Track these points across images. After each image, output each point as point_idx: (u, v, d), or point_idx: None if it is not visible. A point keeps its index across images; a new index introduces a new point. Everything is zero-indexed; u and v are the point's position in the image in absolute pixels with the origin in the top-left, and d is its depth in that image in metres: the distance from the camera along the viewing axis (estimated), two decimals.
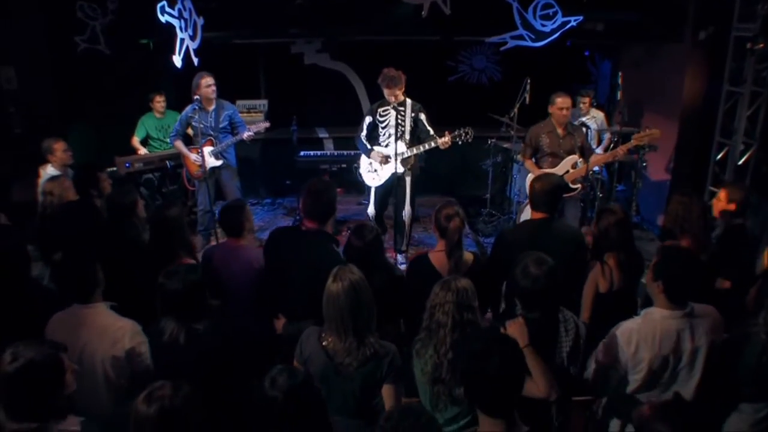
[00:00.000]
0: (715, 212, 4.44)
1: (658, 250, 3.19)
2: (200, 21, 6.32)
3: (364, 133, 6.31)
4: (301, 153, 7.95)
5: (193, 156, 6.66)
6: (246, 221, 4.24)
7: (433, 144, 6.01)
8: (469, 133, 5.96)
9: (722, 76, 6.61)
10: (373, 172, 6.42)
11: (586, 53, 9.55)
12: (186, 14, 6.35)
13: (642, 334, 2.97)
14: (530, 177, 6.42)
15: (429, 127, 6.13)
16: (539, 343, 3.00)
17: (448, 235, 3.85)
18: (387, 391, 2.97)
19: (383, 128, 6.24)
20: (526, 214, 6.59)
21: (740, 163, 6.38)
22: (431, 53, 9.01)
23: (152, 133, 7.63)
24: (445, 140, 5.93)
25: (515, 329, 3.04)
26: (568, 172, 6.07)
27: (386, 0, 7.04)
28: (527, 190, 6.02)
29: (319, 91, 9.33)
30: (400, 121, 6.11)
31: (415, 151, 6.10)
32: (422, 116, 6.13)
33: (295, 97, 8.95)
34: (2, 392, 2.37)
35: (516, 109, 6.92)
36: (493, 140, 7.77)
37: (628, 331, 3.02)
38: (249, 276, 4.07)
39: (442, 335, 2.91)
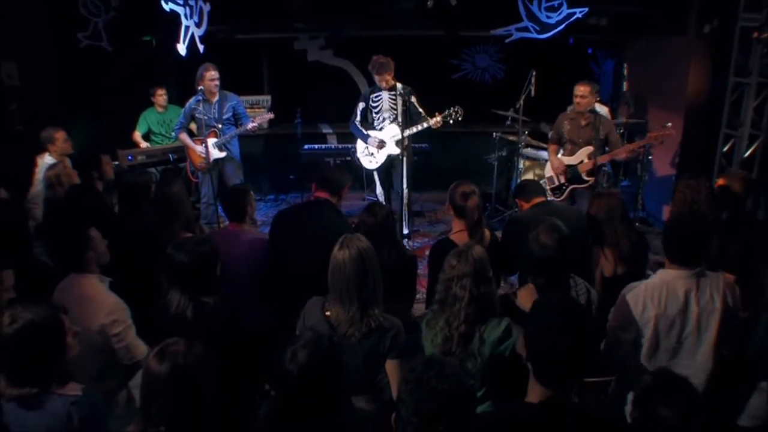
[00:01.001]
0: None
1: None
2: (207, 7, 6.29)
3: (358, 118, 6.66)
4: (305, 146, 7.93)
5: (198, 147, 6.62)
6: (249, 206, 4.19)
7: (425, 125, 6.30)
8: (459, 111, 6.24)
9: (727, 68, 6.58)
10: (370, 156, 6.72)
11: (589, 51, 9.53)
12: (192, 1, 6.32)
13: (649, 292, 2.95)
14: (548, 166, 6.42)
15: (420, 110, 6.41)
16: None
17: (467, 213, 3.77)
18: (390, 367, 2.91)
19: (376, 113, 6.61)
20: None
21: (747, 155, 6.35)
22: (434, 51, 8.99)
23: (154, 127, 7.59)
24: (436, 120, 6.25)
25: (523, 294, 3.00)
26: (582, 162, 6.05)
27: None
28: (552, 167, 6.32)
29: (322, 88, 9.31)
30: (392, 105, 6.46)
31: (407, 132, 6.27)
32: (413, 99, 6.38)
33: (299, 94, 8.92)
34: (1, 355, 2.29)
35: (522, 101, 6.87)
36: (498, 133, 7.74)
37: (636, 290, 3.00)
38: (250, 261, 4.01)
39: (457, 309, 2.82)
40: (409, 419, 1.91)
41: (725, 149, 6.64)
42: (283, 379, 2.21)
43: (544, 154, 7.69)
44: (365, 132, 6.64)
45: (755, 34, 5.97)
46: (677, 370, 2.89)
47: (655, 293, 2.92)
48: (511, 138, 7.58)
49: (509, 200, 8.08)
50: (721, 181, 4.36)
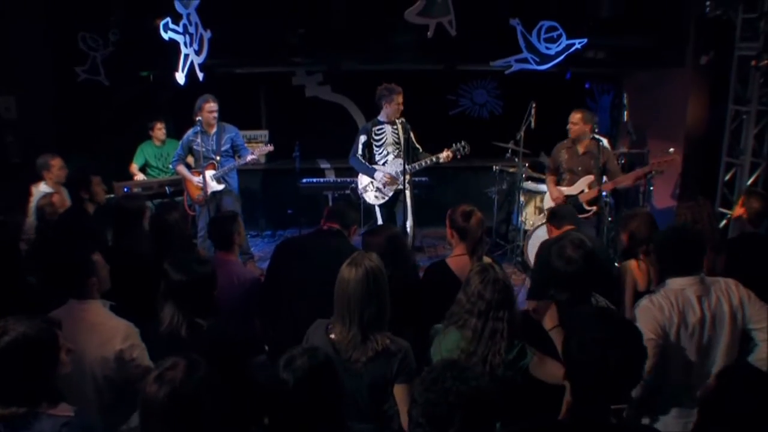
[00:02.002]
0: (734, 215, 4.37)
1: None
2: (207, 34, 6.28)
3: (360, 152, 6.38)
4: (304, 180, 7.85)
5: (196, 179, 6.54)
6: (236, 234, 4.00)
7: (434, 159, 6.20)
8: (466, 147, 6.15)
9: (726, 98, 6.60)
10: (376, 191, 6.43)
11: (587, 85, 9.58)
12: (192, 29, 6.31)
13: (665, 298, 2.87)
14: (548, 197, 6.36)
15: (417, 145, 6.34)
16: (570, 326, 2.82)
17: (469, 232, 3.63)
18: (400, 392, 2.74)
19: (379, 146, 6.36)
20: (537, 237, 6.51)
21: (749, 183, 6.31)
22: (432, 86, 9.02)
23: (151, 160, 7.53)
24: (447, 154, 6.16)
25: (544, 309, 2.88)
26: (583, 191, 5.98)
27: (389, 29, 7.07)
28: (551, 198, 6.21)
29: (319, 124, 9.29)
30: (395, 138, 6.29)
31: (417, 167, 6.20)
32: (410, 134, 6.20)
33: (296, 129, 8.88)
34: None
35: (522, 133, 6.84)
36: (498, 167, 7.70)
37: (651, 298, 2.93)
38: (235, 293, 3.77)
39: (497, 346, 2.71)
40: (417, 421, 1.78)
41: (727, 178, 6.60)
42: (276, 394, 2.08)
43: (544, 187, 7.65)
44: (370, 166, 6.37)
45: (753, 62, 5.98)
46: (694, 381, 2.80)
47: (671, 299, 2.84)
48: (512, 170, 7.54)
49: (509, 234, 8.00)
50: (741, 199, 4.31)
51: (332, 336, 2.76)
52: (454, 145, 6.16)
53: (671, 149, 5.79)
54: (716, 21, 6.45)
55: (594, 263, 2.93)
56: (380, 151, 6.37)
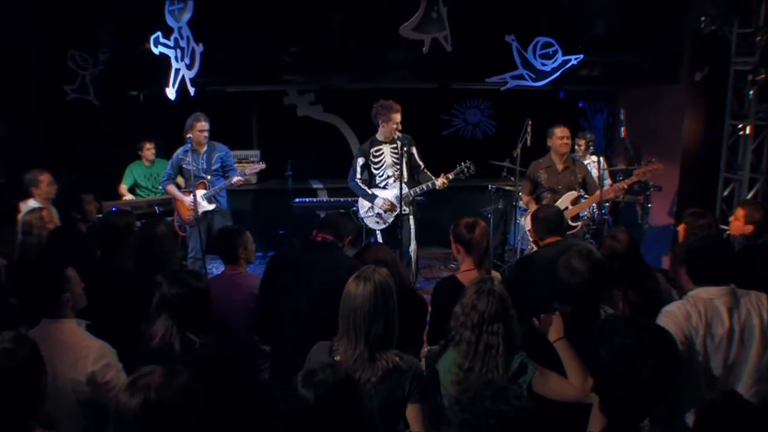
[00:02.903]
0: (733, 230, 4.25)
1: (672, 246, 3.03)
2: (199, 48, 6.16)
3: (359, 175, 6.06)
4: (296, 199, 7.71)
5: (187, 199, 6.39)
6: (241, 247, 3.91)
7: (430, 185, 5.85)
8: (471, 167, 5.83)
9: (722, 114, 6.59)
10: (376, 216, 6.11)
11: (581, 104, 9.56)
12: (183, 43, 6.20)
13: (692, 305, 2.75)
14: (527, 214, 6.26)
15: (420, 162, 6.02)
16: (576, 340, 2.69)
17: (474, 243, 3.53)
18: (412, 413, 2.58)
19: (377, 168, 6.03)
20: None
21: (748, 198, 6.25)
22: (425, 106, 8.94)
23: (140, 181, 7.39)
24: (443, 181, 5.79)
25: (548, 321, 2.75)
26: (567, 208, 5.89)
27: (382, 47, 7.01)
28: (529, 227, 5.84)
29: (311, 144, 9.23)
30: (395, 159, 5.92)
31: (417, 191, 5.92)
32: (413, 150, 5.99)
33: (288, 149, 8.77)
34: None
35: (519, 150, 6.74)
36: (494, 186, 7.60)
37: (677, 304, 2.81)
38: (247, 308, 3.71)
39: (493, 361, 2.59)
40: None
41: (725, 194, 6.54)
42: (294, 411, 1.91)
43: None
44: (369, 191, 6.00)
45: (750, 77, 5.95)
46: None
47: (700, 307, 2.71)
48: (508, 188, 7.44)
49: (505, 255, 7.88)
50: (740, 213, 4.19)
51: (337, 358, 2.59)
52: (458, 165, 5.84)
53: (653, 159, 5.73)
54: (711, 37, 6.44)
55: (602, 275, 2.82)
56: (380, 173, 6.03)
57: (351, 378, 2.03)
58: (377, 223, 6.15)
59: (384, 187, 6.04)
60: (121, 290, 3.55)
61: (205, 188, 6.43)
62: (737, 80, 6.32)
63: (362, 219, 6.29)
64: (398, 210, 5.85)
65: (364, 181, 6.06)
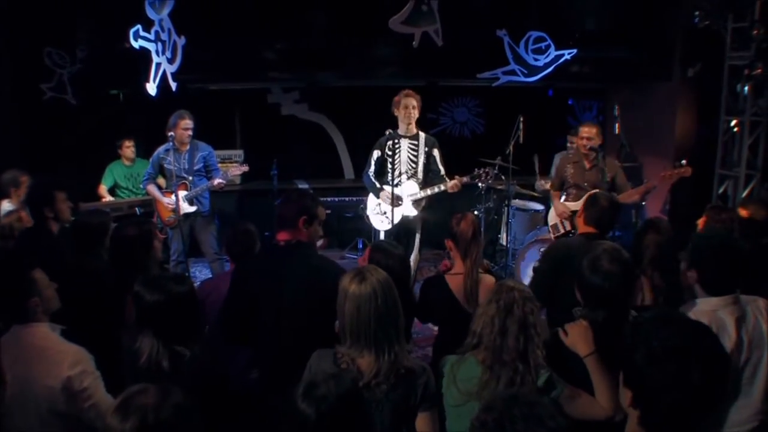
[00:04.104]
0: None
1: (691, 238, 2.82)
2: (181, 41, 5.92)
3: (372, 168, 5.72)
4: (279, 200, 7.50)
5: (167, 199, 6.16)
6: (254, 244, 3.89)
7: (442, 187, 5.53)
8: (490, 173, 5.62)
9: (714, 109, 6.51)
10: (382, 215, 5.78)
11: (570, 102, 9.45)
12: (164, 36, 5.96)
13: (698, 318, 2.52)
14: (552, 213, 6.08)
15: (441, 167, 5.69)
16: (607, 351, 2.49)
17: (460, 234, 3.48)
18: (422, 423, 2.40)
19: (392, 163, 5.57)
20: (528, 258, 6.23)
21: (744, 194, 6.15)
22: None
23: (121, 181, 7.14)
24: (454, 183, 5.49)
25: (577, 333, 2.56)
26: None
27: (369, 43, 6.84)
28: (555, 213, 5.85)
29: (296, 143, 9.02)
30: (411, 156, 5.65)
31: (428, 192, 5.59)
32: (435, 152, 5.67)
33: (272, 149, 8.57)
34: None
35: (511, 147, 6.57)
36: (485, 185, 7.42)
37: None
38: None
39: (512, 365, 2.41)
40: None
41: (721, 190, 6.44)
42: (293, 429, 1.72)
43: (533, 204, 7.42)
44: (378, 186, 5.61)
45: (746, 71, 5.85)
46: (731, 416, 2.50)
47: (703, 321, 2.51)
48: (500, 187, 7.28)
49: (496, 256, 7.73)
50: (743, 213, 4.05)
51: (344, 366, 2.37)
52: (475, 170, 5.60)
53: (683, 161, 5.50)
54: (703, 32, 6.34)
55: (633, 277, 2.65)
56: (395, 168, 5.58)
57: (357, 390, 1.85)
58: (381, 222, 5.84)
59: (397, 185, 5.63)
60: (95, 293, 3.35)
61: (187, 189, 6.20)
62: (732, 75, 6.23)
63: (368, 217, 6.02)
64: (402, 204, 5.60)
65: (376, 176, 5.72)
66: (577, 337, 2.53)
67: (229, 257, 4.06)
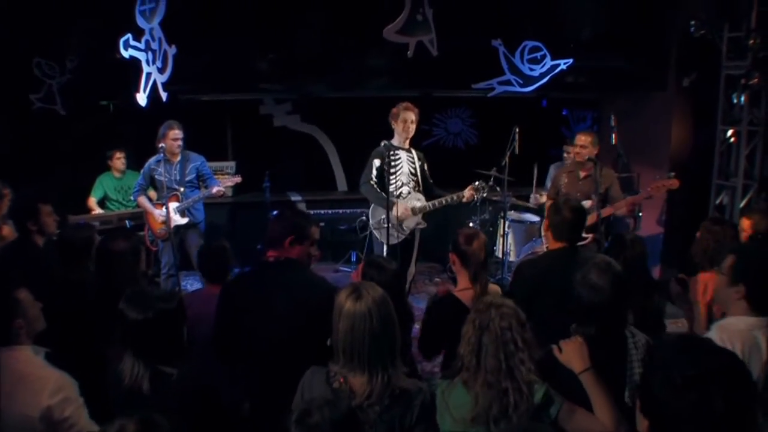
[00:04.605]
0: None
1: (733, 251, 2.70)
2: (172, 50, 5.81)
3: (375, 179, 5.57)
4: (274, 213, 7.37)
5: (158, 211, 6.05)
6: (230, 264, 3.82)
7: (455, 198, 5.49)
8: (485, 186, 5.56)
9: (712, 119, 6.49)
10: (390, 228, 5.47)
11: (564, 112, 9.41)
12: (155, 45, 5.87)
13: (727, 335, 2.46)
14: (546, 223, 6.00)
15: (430, 179, 5.73)
16: (603, 367, 2.43)
17: (470, 255, 3.34)
18: None
19: (394, 175, 5.49)
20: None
21: (742, 205, 6.11)
22: None
23: (111, 193, 7.04)
24: (471, 193, 5.47)
25: (571, 349, 2.48)
26: None
27: (362, 53, 6.77)
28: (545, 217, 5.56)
29: (289, 154, 8.92)
30: (411, 168, 5.61)
31: (436, 204, 5.54)
32: (425, 165, 5.72)
33: (264, 160, 8.48)
34: None
35: (507, 158, 6.49)
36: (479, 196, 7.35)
37: (709, 334, 2.50)
38: None
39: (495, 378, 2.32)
40: None
41: (718, 201, 6.39)
42: None
43: (529, 216, 7.35)
44: (386, 197, 5.24)
45: (743, 81, 5.82)
46: None
47: (736, 341, 2.42)
48: (495, 198, 7.21)
49: (492, 268, 7.64)
50: (745, 223, 3.99)
51: (336, 386, 2.28)
52: (477, 182, 5.54)
53: (672, 173, 5.47)
54: (698, 42, 6.31)
55: (626, 289, 2.56)
56: (395, 181, 5.48)
57: (353, 414, 1.77)
58: (391, 236, 5.49)
59: (398, 196, 5.55)
60: (81, 311, 3.23)
61: (178, 201, 6.10)
62: (728, 85, 6.20)
63: (372, 230, 5.81)
64: (412, 217, 5.55)
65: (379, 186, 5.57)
66: (571, 353, 2.47)
67: (202, 275, 3.93)
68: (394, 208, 5.37)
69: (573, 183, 5.74)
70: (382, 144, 5.47)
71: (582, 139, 5.64)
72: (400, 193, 5.57)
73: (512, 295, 3.60)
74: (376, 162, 5.58)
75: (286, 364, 2.81)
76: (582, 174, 5.71)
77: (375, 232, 5.76)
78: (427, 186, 5.70)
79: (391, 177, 5.38)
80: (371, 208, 5.77)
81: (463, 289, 3.42)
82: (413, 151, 5.65)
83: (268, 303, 3.01)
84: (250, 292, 3.12)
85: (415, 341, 4.11)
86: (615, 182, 5.72)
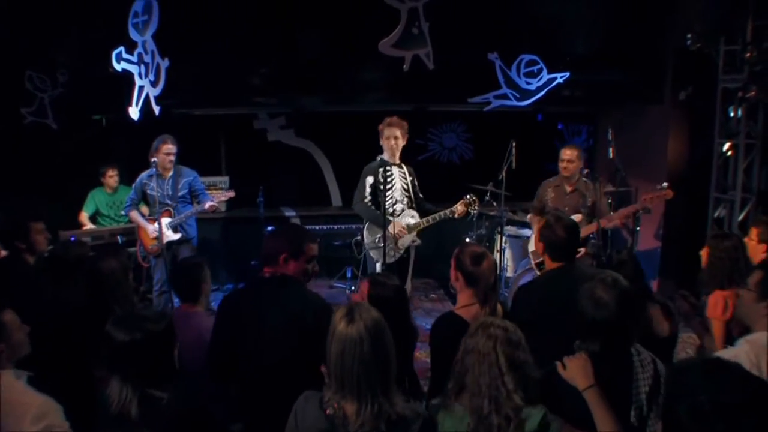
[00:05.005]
0: (750, 253, 3.96)
1: (761, 267, 2.65)
2: (165, 63, 5.75)
3: (369, 197, 5.48)
4: (269, 228, 7.30)
5: (151, 227, 5.96)
6: (204, 282, 3.60)
7: (448, 214, 5.40)
8: (476, 201, 5.50)
9: (709, 132, 6.46)
10: (388, 247, 5.38)
11: (560, 126, 9.38)
12: (147, 58, 5.80)
13: (754, 352, 2.38)
14: (533, 240, 5.93)
15: (420, 194, 5.66)
16: (607, 385, 2.36)
17: (480, 279, 3.12)
18: None
19: (388, 192, 5.37)
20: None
21: (741, 218, 6.06)
22: None
23: (102, 209, 6.95)
24: (462, 209, 5.39)
25: (575, 366, 2.40)
26: None
27: (357, 68, 6.73)
28: (536, 239, 5.37)
29: (283, 169, 8.86)
30: (404, 185, 5.53)
31: (430, 221, 5.44)
32: (415, 180, 5.66)
33: (258, 175, 8.40)
34: None
35: (504, 173, 6.41)
36: (476, 210, 7.29)
37: (733, 351, 2.44)
38: (204, 349, 3.24)
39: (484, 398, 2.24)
40: None
41: (716, 214, 6.34)
42: None
43: (526, 231, 7.28)
44: (382, 215, 5.17)
45: (740, 94, 5.79)
46: None
47: (763, 355, 2.35)
48: (492, 213, 7.14)
49: None
50: (753, 233, 3.92)
51: (329, 411, 2.18)
52: (467, 196, 5.46)
53: (665, 183, 5.43)
54: (694, 55, 6.29)
55: (632, 306, 2.48)
56: (388, 197, 5.38)
57: None
58: (389, 256, 5.36)
59: (392, 213, 5.44)
60: (70, 330, 3.14)
61: (171, 216, 6.01)
62: (724, 98, 6.18)
63: (366, 249, 5.68)
64: (407, 235, 5.44)
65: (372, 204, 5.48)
66: (575, 369, 2.39)
67: (175, 293, 3.81)
68: (390, 227, 5.29)
69: (560, 197, 5.70)
70: (378, 159, 5.41)
71: (568, 153, 5.61)
72: (394, 210, 5.47)
73: (513, 320, 3.54)
74: (369, 179, 5.49)
75: (280, 382, 2.77)
76: (568, 188, 5.67)
77: (371, 252, 5.63)
78: (417, 201, 5.63)
79: (385, 194, 5.30)
80: (366, 226, 5.64)
81: (467, 305, 3.21)
82: (404, 167, 5.58)
83: (263, 319, 2.96)
84: (244, 309, 3.09)
85: (417, 360, 4.04)
86: (601, 197, 5.71)
